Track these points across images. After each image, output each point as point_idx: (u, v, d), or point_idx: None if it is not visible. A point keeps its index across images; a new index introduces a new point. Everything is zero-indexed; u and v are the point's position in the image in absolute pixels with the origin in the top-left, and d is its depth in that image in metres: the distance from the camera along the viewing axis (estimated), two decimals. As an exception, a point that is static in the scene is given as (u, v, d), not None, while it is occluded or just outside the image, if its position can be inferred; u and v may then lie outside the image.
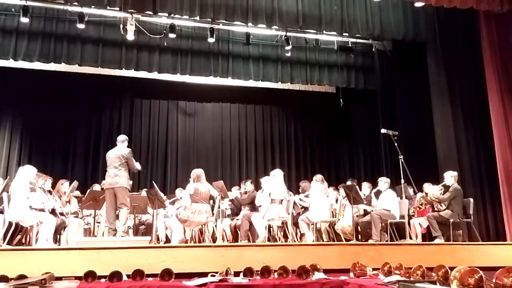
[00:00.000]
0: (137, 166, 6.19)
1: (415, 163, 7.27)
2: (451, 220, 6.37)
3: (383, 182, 6.93)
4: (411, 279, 3.51)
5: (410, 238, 6.56)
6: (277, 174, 6.93)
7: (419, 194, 7.25)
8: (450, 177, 6.72)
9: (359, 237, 6.64)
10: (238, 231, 7.01)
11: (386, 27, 8.60)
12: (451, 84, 8.32)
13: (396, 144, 6.43)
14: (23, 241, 6.05)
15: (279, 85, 10.50)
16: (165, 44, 9.04)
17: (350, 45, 9.81)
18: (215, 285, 3.49)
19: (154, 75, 9.51)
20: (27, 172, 5.76)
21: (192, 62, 9.35)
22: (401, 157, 6.31)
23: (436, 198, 6.70)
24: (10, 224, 5.49)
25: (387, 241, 6.41)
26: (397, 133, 6.71)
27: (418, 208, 7.16)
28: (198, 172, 6.41)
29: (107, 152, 6.20)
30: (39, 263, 4.10)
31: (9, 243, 5.45)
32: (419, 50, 8.93)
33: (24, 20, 8.04)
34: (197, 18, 8.32)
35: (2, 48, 8.31)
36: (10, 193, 5.62)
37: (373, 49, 10.16)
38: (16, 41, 8.39)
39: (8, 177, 6.52)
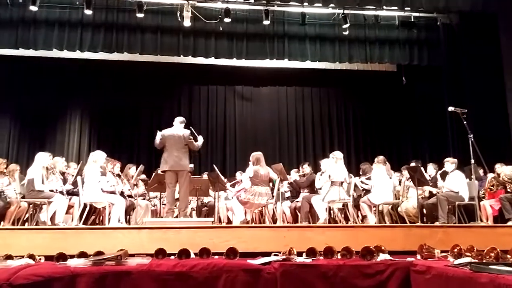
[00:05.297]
0: (198, 144, 6.09)
1: (485, 143, 6.85)
2: (527, 202, 5.96)
3: (450, 162, 6.60)
4: (484, 261, 3.33)
5: (481, 220, 6.22)
6: (337, 156, 6.82)
7: (490, 175, 6.84)
8: (525, 157, 6.27)
9: (424, 220, 6.41)
10: (298, 213, 7.02)
11: (452, -2, 8.09)
12: (526, 57, 7.70)
13: (465, 122, 6.06)
14: (97, 221, 6.48)
15: (336, 66, 10.26)
16: (221, 29, 9.11)
17: (412, 20, 9.34)
18: (279, 264, 3.51)
19: (211, 61, 9.65)
20: (98, 157, 6.17)
21: (248, 45, 9.37)
22: (471, 136, 5.95)
23: (510, 179, 6.29)
24: (85, 205, 5.93)
25: (455, 223, 6.13)
26: (466, 110, 6.31)
27: (489, 190, 6.76)
28: (257, 155, 6.46)
29: (165, 132, 6.04)
30: (113, 241, 4.35)
31: (84, 223, 5.89)
32: (489, 22, 8.30)
33: (88, 12, 8.50)
34: (252, 1, 8.31)
35: (69, 40, 8.81)
36: (83, 177, 6.03)
37: (438, 23, 9.59)
38: (82, 33, 8.85)
39: (81, 161, 6.95)
